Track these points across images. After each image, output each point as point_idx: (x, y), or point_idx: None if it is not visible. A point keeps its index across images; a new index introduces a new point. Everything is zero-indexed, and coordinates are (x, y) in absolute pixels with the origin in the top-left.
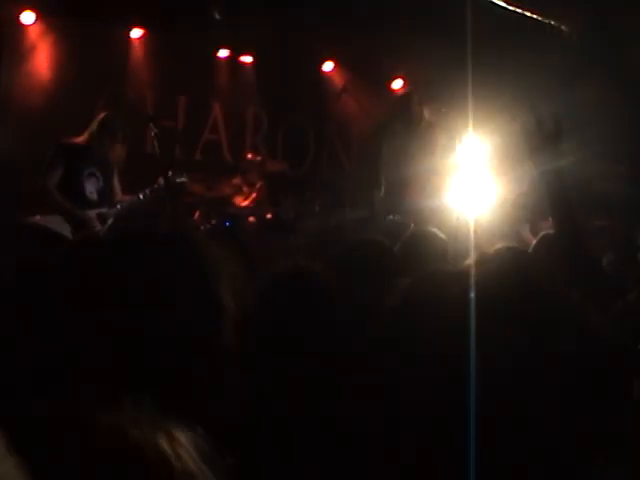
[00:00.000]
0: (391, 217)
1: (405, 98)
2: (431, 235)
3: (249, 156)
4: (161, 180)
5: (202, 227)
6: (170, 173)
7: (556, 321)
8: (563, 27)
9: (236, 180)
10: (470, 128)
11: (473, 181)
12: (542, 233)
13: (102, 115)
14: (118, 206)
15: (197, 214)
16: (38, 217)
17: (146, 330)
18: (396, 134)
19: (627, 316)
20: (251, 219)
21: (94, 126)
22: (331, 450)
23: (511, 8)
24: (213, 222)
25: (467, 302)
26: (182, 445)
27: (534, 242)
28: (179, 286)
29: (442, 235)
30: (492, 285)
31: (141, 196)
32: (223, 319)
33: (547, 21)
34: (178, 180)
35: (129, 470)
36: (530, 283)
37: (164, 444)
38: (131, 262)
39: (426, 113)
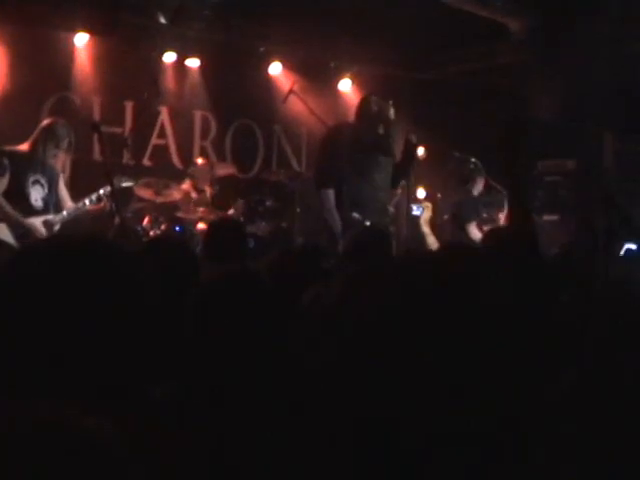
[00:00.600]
0: (354, 215)
1: (365, 99)
2: (379, 232)
3: (198, 160)
4: (107, 186)
5: (152, 232)
6: (115, 178)
7: (494, 316)
8: (511, 26)
9: (185, 185)
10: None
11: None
12: (488, 228)
13: (47, 121)
14: (64, 213)
15: (146, 220)
16: None
17: (67, 336)
18: (355, 132)
19: (561, 315)
20: (201, 226)
21: (39, 133)
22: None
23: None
24: (163, 227)
25: (405, 293)
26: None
27: (479, 237)
28: (99, 295)
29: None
30: (433, 278)
31: (87, 201)
32: (141, 324)
33: (495, 19)
34: (124, 185)
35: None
36: (472, 278)
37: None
38: (52, 270)
39: (384, 112)
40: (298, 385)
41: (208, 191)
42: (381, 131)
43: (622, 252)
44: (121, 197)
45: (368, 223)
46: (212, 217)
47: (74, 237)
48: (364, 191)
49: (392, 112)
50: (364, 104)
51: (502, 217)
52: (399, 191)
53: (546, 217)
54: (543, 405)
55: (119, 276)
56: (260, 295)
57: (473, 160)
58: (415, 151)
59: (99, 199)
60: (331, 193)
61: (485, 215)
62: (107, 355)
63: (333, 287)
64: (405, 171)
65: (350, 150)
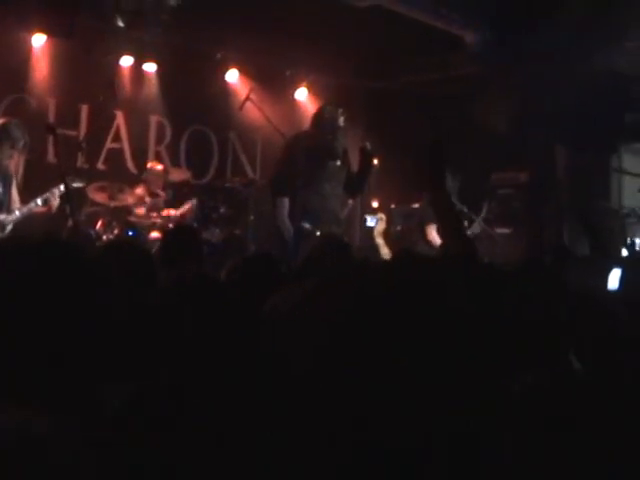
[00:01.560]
0: (305, 224)
1: (319, 109)
2: (339, 241)
3: (152, 165)
4: (59, 186)
5: (105, 236)
6: (67, 178)
7: (442, 326)
8: (467, 38)
9: (139, 190)
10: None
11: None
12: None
13: (1, 121)
14: (16, 213)
15: (100, 223)
16: None
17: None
18: (309, 141)
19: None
20: (155, 235)
21: None
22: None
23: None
24: (116, 232)
25: (357, 299)
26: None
27: (438, 241)
28: (56, 292)
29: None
30: (383, 285)
31: (39, 201)
32: (98, 321)
33: (450, 31)
34: (75, 185)
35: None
36: (421, 285)
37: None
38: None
39: (335, 119)
40: (260, 390)
41: (162, 196)
42: (330, 136)
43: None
44: (75, 200)
45: (318, 233)
46: (165, 222)
47: (33, 238)
48: (314, 201)
49: (342, 119)
50: (318, 114)
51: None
52: (351, 201)
53: (499, 230)
54: (537, 405)
55: (80, 278)
56: (219, 300)
57: None
58: (372, 159)
59: (49, 200)
60: (286, 201)
61: None
62: (68, 357)
63: (290, 297)
64: (363, 180)
65: (304, 159)
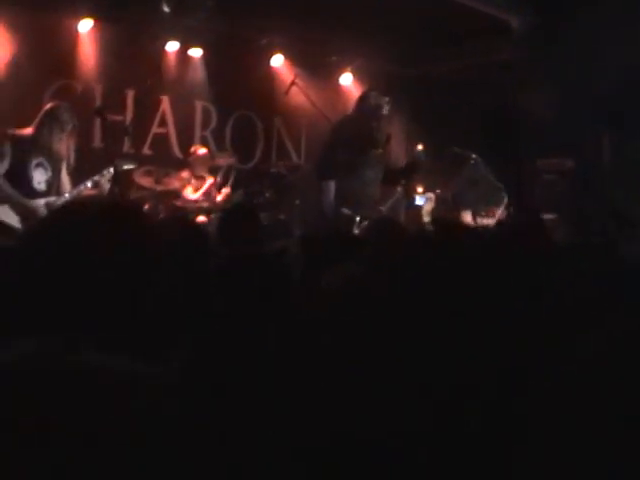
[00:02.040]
0: (344, 210)
1: (364, 95)
2: (393, 223)
3: (195, 149)
4: (110, 169)
5: None
6: (117, 160)
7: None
8: (512, 22)
9: (185, 174)
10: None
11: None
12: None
13: (50, 105)
14: (66, 195)
15: (146, 208)
16: None
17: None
18: (353, 127)
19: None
20: (201, 219)
21: (42, 116)
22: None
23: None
24: (162, 216)
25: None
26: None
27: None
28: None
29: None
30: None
31: (88, 183)
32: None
33: (496, 15)
34: (125, 167)
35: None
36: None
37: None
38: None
39: (380, 107)
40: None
41: (207, 179)
42: (374, 124)
43: None
44: (121, 179)
45: (358, 218)
46: (211, 206)
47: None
48: (355, 186)
49: (387, 108)
50: (363, 99)
51: (499, 213)
52: (399, 188)
53: (544, 215)
54: (541, 400)
55: (153, 237)
56: (278, 278)
57: (473, 156)
58: (420, 168)
59: (98, 182)
60: (332, 185)
61: (483, 208)
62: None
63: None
64: (402, 178)
65: (348, 145)
